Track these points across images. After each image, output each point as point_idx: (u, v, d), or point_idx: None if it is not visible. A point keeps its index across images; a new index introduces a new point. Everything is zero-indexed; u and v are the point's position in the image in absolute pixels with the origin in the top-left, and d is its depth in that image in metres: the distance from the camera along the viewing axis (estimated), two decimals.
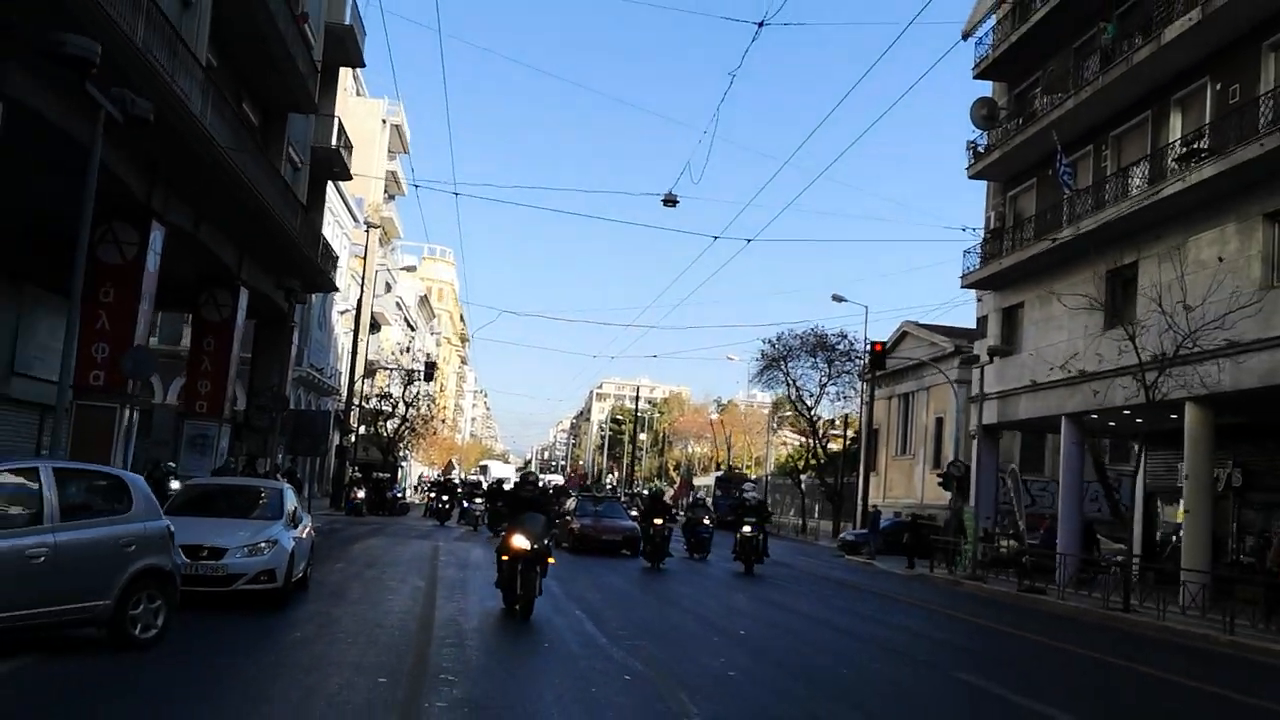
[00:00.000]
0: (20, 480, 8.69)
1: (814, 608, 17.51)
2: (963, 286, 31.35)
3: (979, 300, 32.16)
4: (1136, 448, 23.77)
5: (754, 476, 74.65)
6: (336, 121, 30.19)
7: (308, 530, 14.47)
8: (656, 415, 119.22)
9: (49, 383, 22.37)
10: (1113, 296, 25.09)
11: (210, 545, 11.71)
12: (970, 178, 31.40)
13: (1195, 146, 21.90)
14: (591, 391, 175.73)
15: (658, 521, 23.50)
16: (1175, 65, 22.67)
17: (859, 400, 52.97)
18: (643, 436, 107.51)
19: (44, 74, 13.19)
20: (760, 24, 18.16)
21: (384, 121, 63.56)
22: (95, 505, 9.25)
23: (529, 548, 12.68)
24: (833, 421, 59.33)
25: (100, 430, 17.99)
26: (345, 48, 28.91)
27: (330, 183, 35.16)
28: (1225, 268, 20.93)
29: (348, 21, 28.46)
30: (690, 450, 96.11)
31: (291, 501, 13.83)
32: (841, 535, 38.69)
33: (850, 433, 56.43)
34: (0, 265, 21.24)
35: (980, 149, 30.99)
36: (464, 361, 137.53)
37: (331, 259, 31.99)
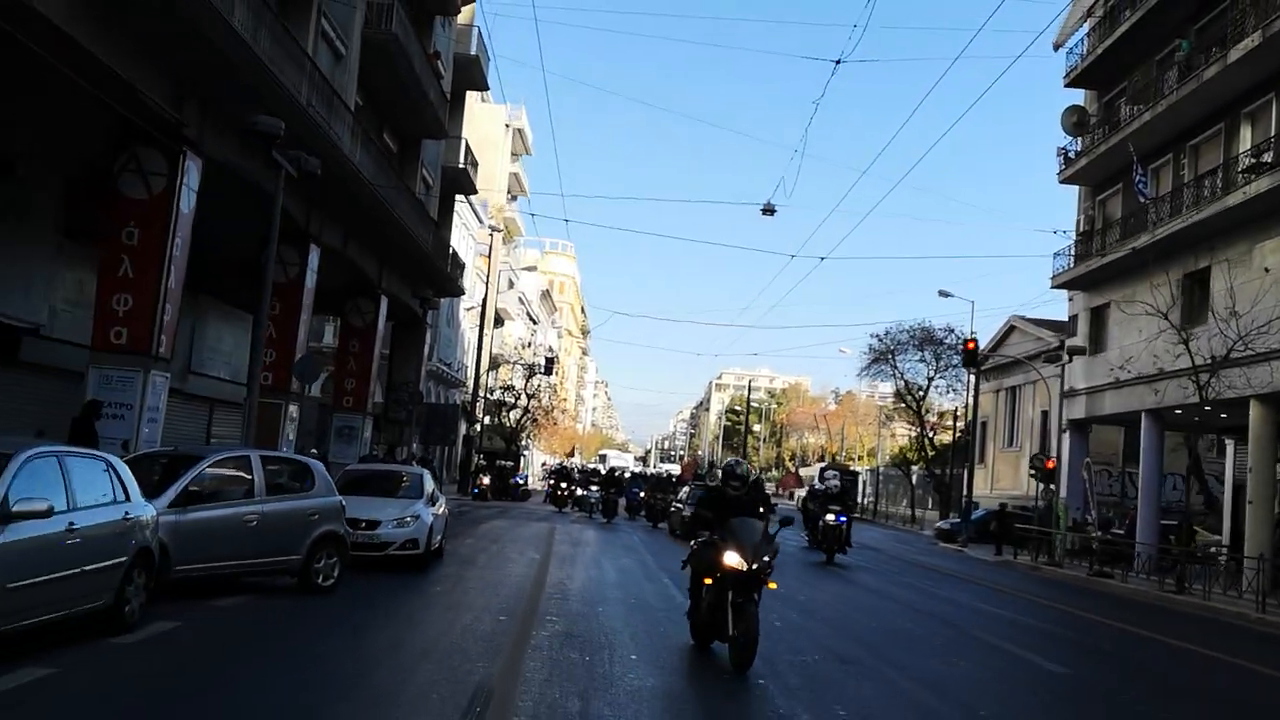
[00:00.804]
0: (237, 465, 11.89)
1: (880, 584, 19.84)
2: (1053, 287, 32.90)
3: (1070, 300, 33.64)
4: (1230, 443, 25.21)
5: (867, 468, 76.26)
6: (464, 143, 33.62)
7: (443, 509, 17.59)
8: (774, 406, 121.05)
9: (218, 379, 26.34)
10: (1190, 299, 26.51)
11: (367, 519, 14.79)
12: (1061, 182, 32.91)
13: (1259, 160, 23.29)
14: (711, 382, 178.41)
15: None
16: (1242, 82, 24.04)
17: (965, 394, 54.18)
18: (758, 428, 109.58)
19: (231, 136, 16.56)
20: (838, 61, 20.50)
21: (507, 126, 67.31)
22: (288, 484, 12.39)
23: (745, 567, 9.17)
24: (942, 414, 60.62)
25: (269, 422, 21.50)
26: (471, 75, 32.26)
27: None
28: (1271, 281, 22.37)
29: (473, 52, 31.79)
30: (805, 441, 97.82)
31: (430, 484, 16.95)
32: (938, 524, 40.47)
33: (960, 425, 57.69)
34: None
35: (1071, 155, 32.46)
36: (585, 353, 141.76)
37: (459, 266, 35.42)
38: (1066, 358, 29.68)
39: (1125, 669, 12.07)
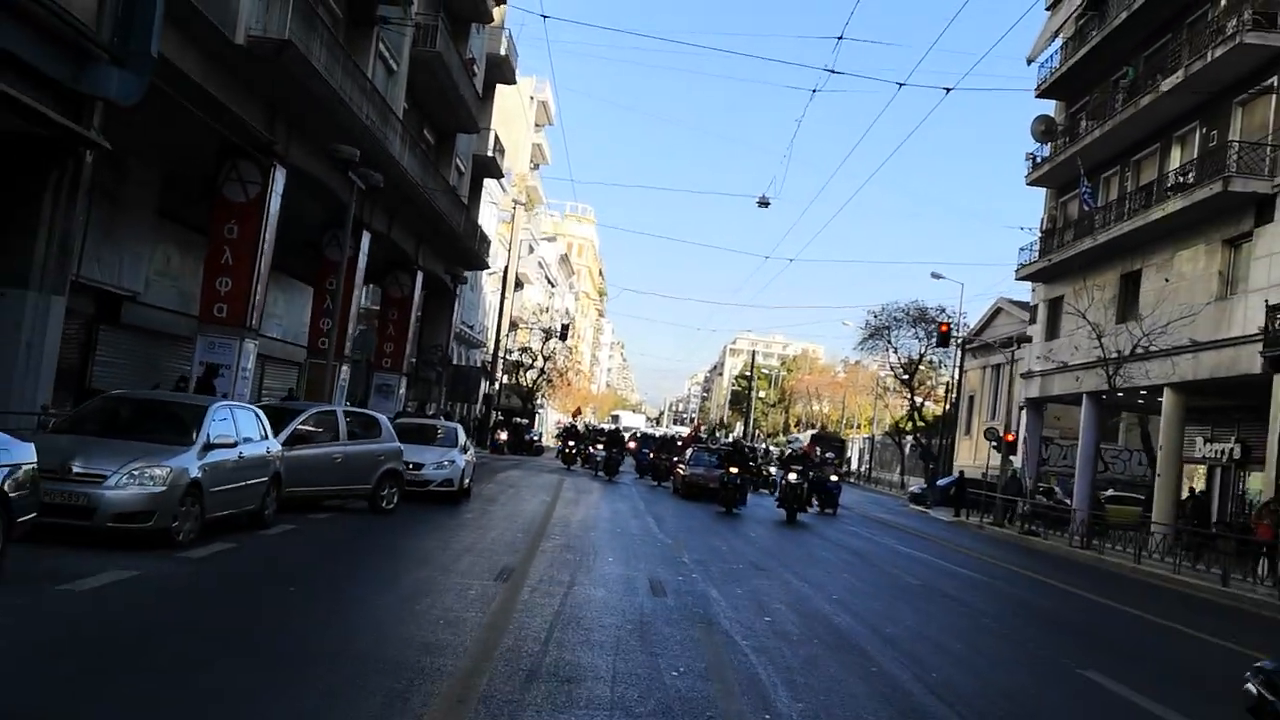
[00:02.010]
0: (327, 416, 16.17)
1: (826, 531, 24.03)
2: (1016, 279, 36.86)
3: (1033, 290, 37.57)
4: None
5: (865, 436, 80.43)
6: (493, 134, 37.63)
7: (472, 456, 21.89)
8: (784, 373, 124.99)
9: (270, 339, 30.56)
10: (1125, 296, 30.46)
11: (414, 461, 19.04)
12: (1028, 184, 36.73)
13: (1179, 181, 27.13)
14: (725, 347, 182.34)
15: (733, 470, 25.71)
16: (1172, 110, 27.82)
17: (959, 368, 58.15)
18: (763, 394, 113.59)
19: (311, 151, 20.72)
20: (814, 91, 24.44)
21: (531, 98, 71.07)
22: (363, 432, 16.66)
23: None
24: (933, 387, 64.57)
25: (325, 381, 25.80)
26: (501, 71, 36.23)
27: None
28: (1194, 280, 26.34)
29: (503, 52, 35.73)
30: (812, 408, 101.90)
31: (463, 436, 21.25)
32: (910, 489, 44.68)
33: (951, 399, 61.62)
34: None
35: (1038, 159, 36.25)
36: (601, 315, 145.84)
37: (485, 242, 39.57)
38: (1015, 345, 33.62)
39: (986, 590, 16.24)
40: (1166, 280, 27.26)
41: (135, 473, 10.31)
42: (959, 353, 52.63)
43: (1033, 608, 14.80)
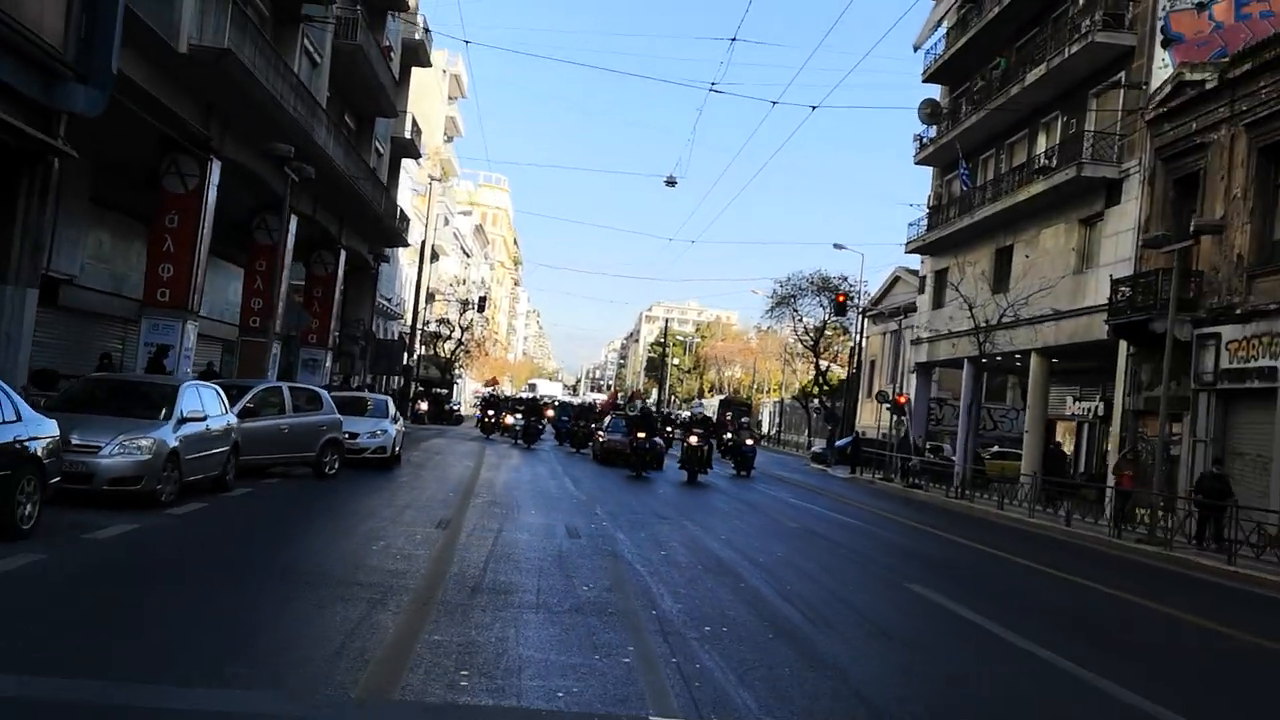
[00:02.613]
0: (273, 392, 18.07)
1: (731, 489, 26.56)
2: (906, 252, 39.89)
3: (922, 262, 40.58)
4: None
5: (775, 400, 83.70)
6: (410, 116, 39.19)
7: (401, 426, 23.88)
8: (698, 340, 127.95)
9: (208, 319, 32.01)
10: (998, 269, 33.49)
11: (350, 431, 20.97)
12: (916, 164, 39.61)
13: (1044, 165, 30.09)
14: (641, 314, 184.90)
15: (640, 435, 26.99)
16: (1037, 99, 30.72)
17: (860, 334, 61.41)
18: (677, 361, 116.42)
19: (243, 144, 22.37)
20: (712, 85, 26.66)
21: (444, 71, 72.12)
22: (306, 406, 18.60)
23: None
24: (837, 354, 67.85)
25: (259, 358, 27.45)
26: (417, 56, 37.77)
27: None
28: (1056, 255, 29.39)
29: (418, 38, 37.24)
30: (724, 374, 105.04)
31: (392, 407, 23.23)
32: (811, 450, 47.71)
33: (859, 363, 64.98)
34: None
35: (925, 141, 39.11)
36: (516, 284, 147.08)
37: (405, 221, 41.20)
38: (906, 314, 36.54)
39: (855, 531, 18.83)
40: (1027, 256, 30.32)
41: (125, 444, 12.22)
42: (860, 319, 55.75)
43: (889, 544, 17.43)
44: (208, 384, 15.57)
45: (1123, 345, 25.99)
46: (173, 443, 12.90)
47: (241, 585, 8.76)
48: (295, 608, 8.06)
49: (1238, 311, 21.77)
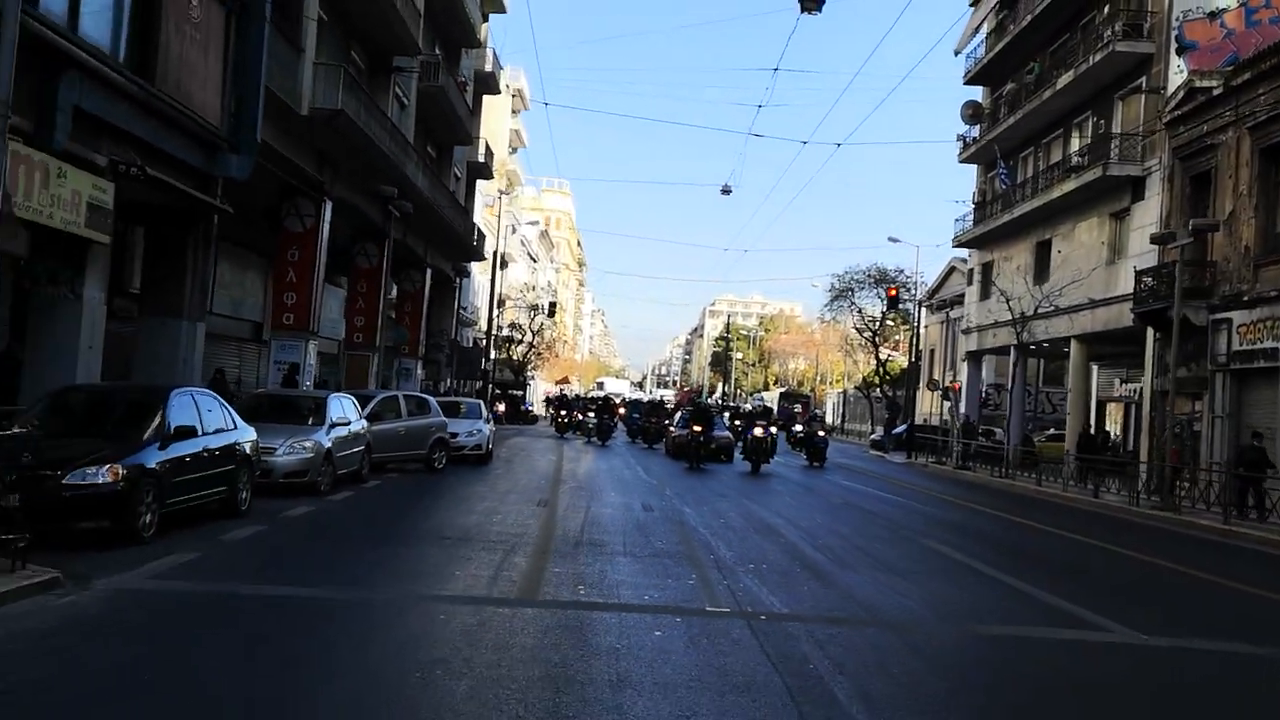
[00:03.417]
0: (391, 399, 21.51)
1: (789, 474, 29.49)
2: (953, 246, 42.35)
3: (969, 255, 43.05)
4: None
5: (839, 390, 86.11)
6: (484, 142, 42.72)
7: (492, 426, 27.26)
8: (762, 334, 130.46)
9: (326, 338, 35.80)
10: (1039, 261, 35.95)
11: (451, 431, 24.35)
12: (960, 162, 42.11)
13: (1078, 163, 32.54)
14: (705, 309, 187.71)
15: (697, 428, 28.75)
16: (1069, 102, 33.17)
17: (916, 325, 63.76)
18: (740, 355, 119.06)
19: (352, 185, 25.89)
20: (760, 106, 29.53)
21: (507, 86, 75.83)
22: (418, 410, 22.01)
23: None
24: (898, 342, 70.15)
25: (362, 369, 31.05)
26: (488, 84, 41.23)
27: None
28: (1090, 248, 31.86)
29: (489, 69, 40.71)
30: (788, 367, 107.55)
31: (485, 409, 26.60)
32: (870, 437, 50.34)
33: (917, 352, 67.31)
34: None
35: (968, 140, 41.59)
36: (581, 284, 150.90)
37: (482, 238, 44.74)
38: (953, 306, 39.12)
39: (894, 504, 21.68)
40: (1059, 251, 32.81)
41: (294, 445, 15.66)
42: (917, 311, 58.11)
43: (921, 513, 20.29)
44: (347, 394, 19.01)
45: (1149, 331, 28.41)
46: (327, 444, 16.32)
47: (405, 543, 12.05)
48: (453, 553, 11.31)
49: (1245, 298, 24.19)
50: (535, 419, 63.44)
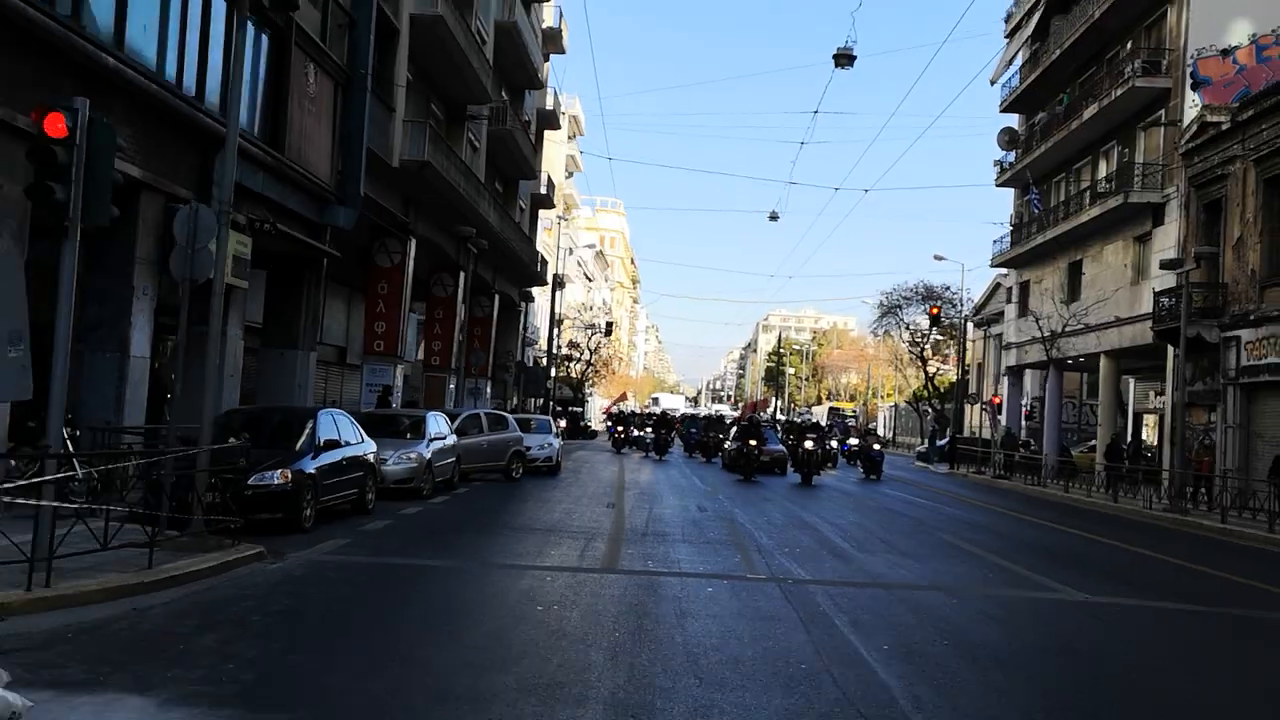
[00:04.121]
0: (473, 416, 24.53)
1: (834, 484, 32.03)
2: (991, 266, 44.65)
3: (1006, 275, 45.34)
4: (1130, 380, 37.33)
5: (890, 404, 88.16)
6: (545, 175, 45.90)
7: (561, 440, 30.20)
8: (815, 348, 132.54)
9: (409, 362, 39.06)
10: (1072, 281, 38.22)
11: (525, 445, 27.29)
12: (997, 186, 44.47)
13: (1105, 189, 34.84)
14: (758, 324, 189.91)
15: (752, 442, 30.53)
16: (1096, 132, 35.49)
17: (962, 341, 65.88)
18: (792, 371, 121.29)
19: (432, 224, 29.03)
20: (802, 143, 32.34)
21: (563, 113, 79.27)
22: (496, 426, 25.00)
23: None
24: (947, 357, 72.22)
25: (438, 389, 34.18)
26: (549, 121, 44.41)
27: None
28: (1116, 269, 34.15)
29: (549, 106, 43.89)
30: (840, 381, 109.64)
31: (554, 425, 29.54)
32: (917, 449, 52.60)
33: (964, 367, 69.42)
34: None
35: (1004, 165, 43.94)
36: (635, 302, 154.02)
37: (544, 265, 47.89)
38: (987, 326, 41.44)
39: (925, 508, 24.21)
40: (1082, 274, 35.12)
41: (401, 456, 18.65)
42: (963, 326, 60.28)
43: (947, 515, 22.82)
44: (440, 412, 22.04)
45: (1169, 348, 30.63)
46: (428, 455, 19.32)
47: (504, 533, 14.96)
48: (545, 540, 14.18)
49: (1252, 317, 26.44)
50: (594, 434, 66.42)
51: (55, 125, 8.75)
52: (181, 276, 11.93)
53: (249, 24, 17.78)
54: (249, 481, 12.84)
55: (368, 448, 16.22)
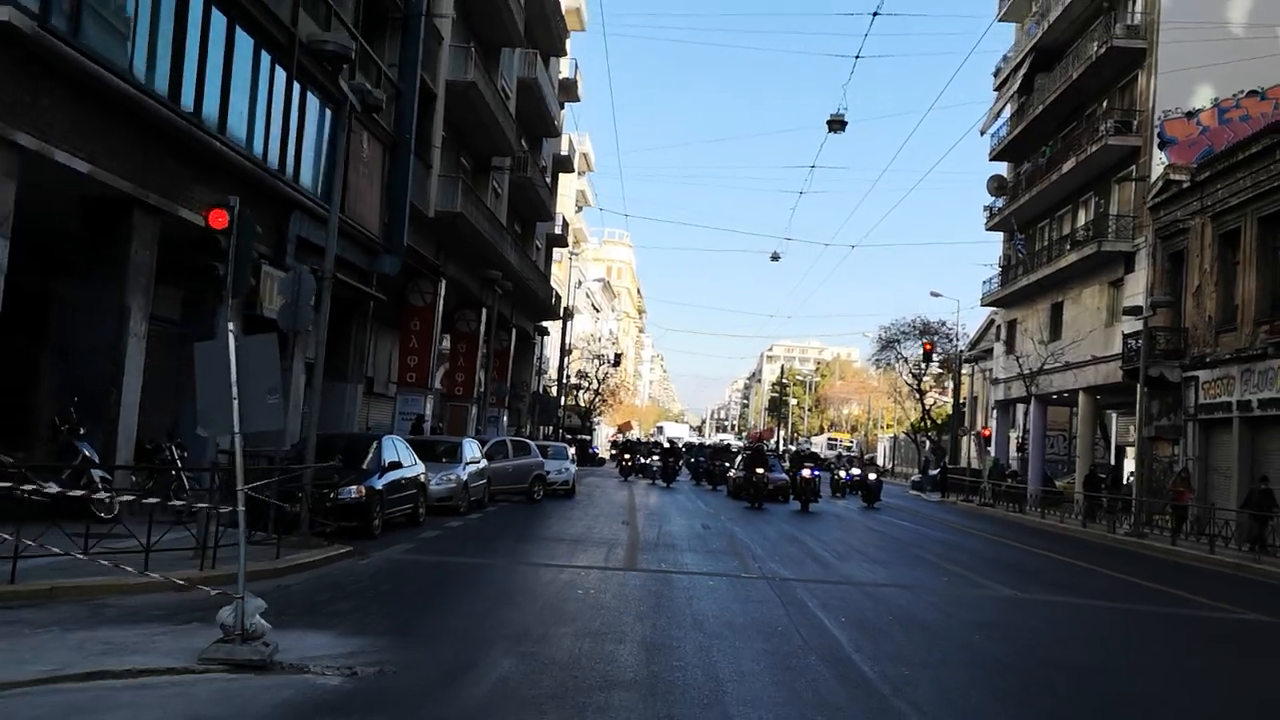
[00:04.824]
0: (500, 443, 27.40)
1: (828, 509, 34.77)
2: (981, 305, 47.56)
3: (996, 314, 48.25)
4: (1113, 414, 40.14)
5: (890, 435, 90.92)
6: (561, 216, 48.96)
7: (575, 465, 33.04)
8: (818, 379, 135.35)
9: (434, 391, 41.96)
10: (1054, 320, 41.10)
11: (544, 470, 30.07)
12: (986, 230, 47.46)
13: (1084, 236, 37.78)
14: (762, 354, 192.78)
15: (759, 470, 32.04)
16: (1075, 183, 38.49)
17: (957, 375, 68.72)
18: (795, 402, 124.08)
19: (462, 266, 32.01)
20: (800, 193, 35.15)
21: (571, 141, 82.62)
22: (521, 451, 27.85)
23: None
24: (945, 389, 75.04)
25: (461, 417, 37.05)
26: (564, 165, 47.52)
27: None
28: (1093, 311, 37.04)
29: (564, 152, 47.02)
30: (842, 412, 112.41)
31: (570, 451, 32.38)
32: (911, 478, 55.34)
33: (959, 400, 72.20)
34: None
35: (993, 210, 46.94)
36: (641, 331, 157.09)
37: (559, 300, 50.91)
38: (975, 361, 44.33)
39: (905, 529, 26.96)
40: (1068, 313, 37.96)
41: (443, 477, 21.48)
42: (958, 362, 63.14)
43: (924, 534, 25.58)
44: (472, 439, 24.90)
45: (1138, 386, 33.45)
46: (464, 477, 22.16)
47: (537, 541, 17.79)
48: (573, 547, 17.00)
49: (1208, 359, 29.29)
50: (602, 461, 69.18)
51: (219, 219, 11.67)
52: (288, 328, 14.86)
53: (317, 101, 20.87)
54: (333, 495, 15.68)
55: (419, 469, 19.07)
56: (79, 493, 11.31)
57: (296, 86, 20.04)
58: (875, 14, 38.84)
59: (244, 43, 17.91)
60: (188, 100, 16.08)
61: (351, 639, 8.64)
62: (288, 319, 14.91)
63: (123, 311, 15.33)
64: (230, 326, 8.48)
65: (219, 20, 16.86)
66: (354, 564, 13.38)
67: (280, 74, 19.28)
